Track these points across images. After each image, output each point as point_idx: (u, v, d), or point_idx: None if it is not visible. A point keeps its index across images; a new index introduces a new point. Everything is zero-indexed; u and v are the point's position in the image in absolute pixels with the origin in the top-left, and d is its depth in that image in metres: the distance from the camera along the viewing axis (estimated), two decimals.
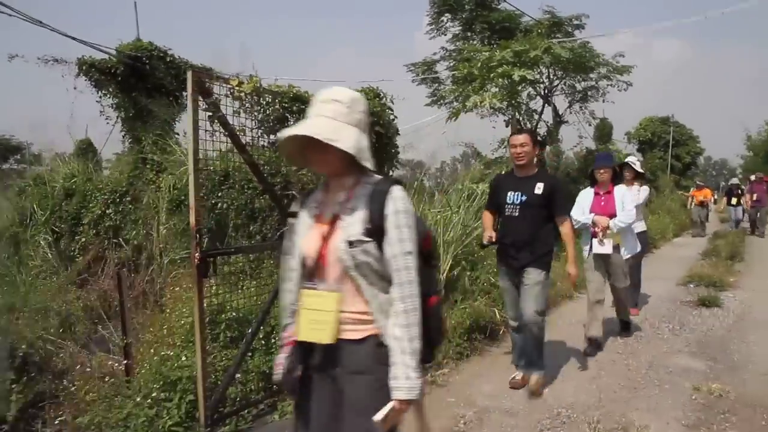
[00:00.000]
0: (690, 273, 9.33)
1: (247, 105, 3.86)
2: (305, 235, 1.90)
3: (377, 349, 1.77)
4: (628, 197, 5.42)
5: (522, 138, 4.20)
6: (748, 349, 5.46)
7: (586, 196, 5.57)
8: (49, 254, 7.97)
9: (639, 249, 5.97)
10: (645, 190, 7.07)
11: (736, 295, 8.06)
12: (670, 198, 21.56)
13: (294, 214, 2.04)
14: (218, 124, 3.55)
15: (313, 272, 1.85)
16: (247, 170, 6.10)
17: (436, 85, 14.97)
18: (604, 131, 19.99)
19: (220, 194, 6.64)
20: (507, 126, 12.02)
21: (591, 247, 5.41)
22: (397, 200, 1.78)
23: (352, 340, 1.80)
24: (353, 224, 1.77)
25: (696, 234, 17.46)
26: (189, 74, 3.28)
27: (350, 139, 1.73)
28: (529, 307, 4.14)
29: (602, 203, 5.39)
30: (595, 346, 5.45)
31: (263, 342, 4.42)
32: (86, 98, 10.18)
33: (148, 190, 7.41)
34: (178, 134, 8.99)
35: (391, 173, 5.58)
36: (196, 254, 3.29)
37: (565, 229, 4.24)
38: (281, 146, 1.85)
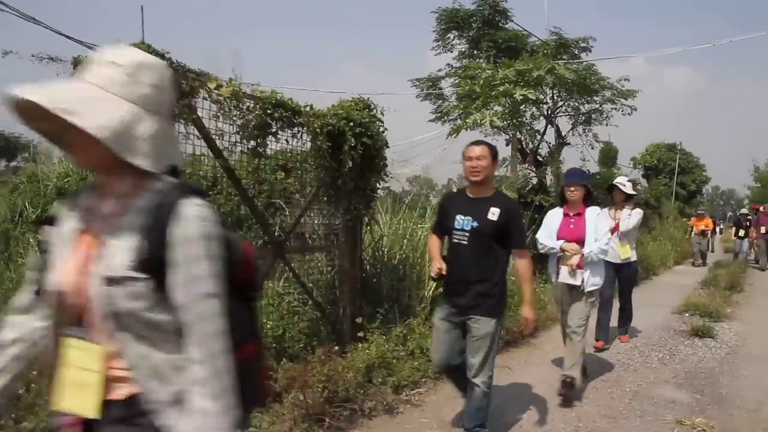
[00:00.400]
0: (686, 302, 9.15)
1: (226, 109, 3.78)
2: (62, 258, 1.31)
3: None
4: (603, 222, 4.79)
5: (479, 150, 3.47)
6: (739, 384, 5.30)
7: (554, 217, 4.89)
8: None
9: (601, 284, 4.93)
10: (637, 214, 6.44)
11: (732, 327, 7.89)
12: (673, 225, 21.34)
13: (50, 221, 1.40)
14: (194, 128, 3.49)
15: (73, 315, 1.30)
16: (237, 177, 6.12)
17: (440, 101, 14.91)
18: (608, 155, 19.88)
19: (207, 200, 6.60)
20: (507, 145, 11.95)
21: (558, 274, 4.82)
22: (190, 220, 1.24)
23: (114, 400, 1.27)
24: (117, 252, 1.22)
25: (696, 264, 17.11)
26: None
27: (105, 116, 1.18)
28: (474, 366, 3.52)
29: (571, 226, 4.73)
30: (568, 386, 4.65)
31: None
32: None
33: None
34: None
35: (378, 187, 5.48)
36: None
37: (522, 266, 3.67)
38: (12, 109, 1.22)
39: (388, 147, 5.53)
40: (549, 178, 13.09)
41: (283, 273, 5.22)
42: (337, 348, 4.67)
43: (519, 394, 4.86)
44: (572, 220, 4.76)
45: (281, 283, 5.22)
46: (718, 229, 26.83)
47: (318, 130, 4.70)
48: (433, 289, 6.21)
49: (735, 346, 6.80)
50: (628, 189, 6.48)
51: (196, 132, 3.61)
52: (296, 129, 4.63)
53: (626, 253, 6.39)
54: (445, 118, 14.54)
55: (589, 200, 4.82)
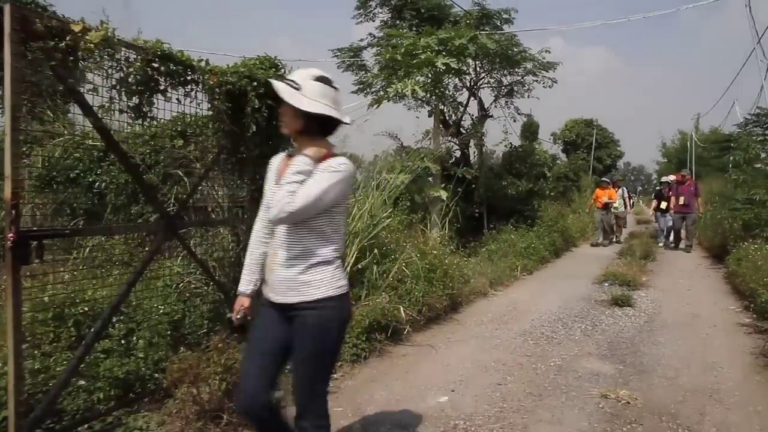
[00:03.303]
0: (606, 272, 9.27)
1: (98, 59, 3.18)
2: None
3: None
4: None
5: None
6: (658, 351, 5.27)
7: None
8: None
9: None
10: None
11: (648, 295, 8.02)
12: (590, 198, 22.00)
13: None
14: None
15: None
16: (133, 145, 5.44)
17: (363, 72, 14.40)
18: (530, 129, 20.13)
19: (99, 171, 5.89)
20: (430, 116, 11.67)
21: None
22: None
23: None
24: None
25: (595, 243, 14.89)
26: (7, 8, 2.60)
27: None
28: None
29: None
30: None
31: (122, 342, 3.78)
32: None
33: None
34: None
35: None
36: (11, 235, 2.62)
37: None
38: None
39: None
40: (472, 151, 13.00)
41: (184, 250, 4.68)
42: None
43: (442, 374, 4.58)
44: None
45: (179, 261, 4.67)
46: (631, 202, 28.01)
47: (217, 89, 4.16)
48: (351, 265, 5.83)
49: (652, 313, 6.86)
50: None
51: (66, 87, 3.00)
52: (190, 87, 4.06)
53: None
54: (368, 89, 14.08)
55: None
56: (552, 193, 15.15)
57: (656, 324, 6.35)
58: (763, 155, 11.80)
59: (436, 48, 9.85)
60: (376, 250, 6.06)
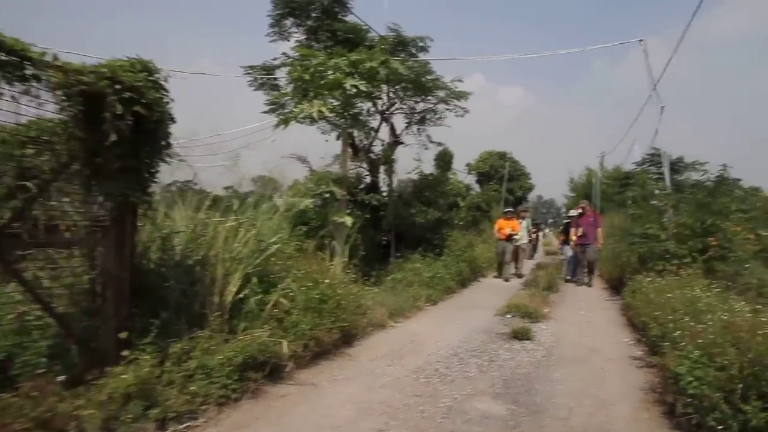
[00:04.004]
0: (509, 303, 9.16)
1: None
2: None
3: None
4: None
5: None
6: (552, 389, 5.06)
7: None
8: None
9: None
10: None
11: (549, 327, 7.93)
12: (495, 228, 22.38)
13: None
14: None
15: None
16: None
17: (276, 92, 13.93)
18: (444, 159, 20.27)
19: None
20: (338, 139, 11.32)
21: None
22: None
23: None
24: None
25: (498, 277, 14.45)
26: None
27: None
28: None
29: None
30: None
31: None
32: None
33: None
34: None
35: (157, 170, 4.43)
36: None
37: None
38: None
39: (174, 122, 4.53)
40: (382, 178, 12.74)
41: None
42: (90, 373, 3.60)
43: (320, 418, 4.12)
44: None
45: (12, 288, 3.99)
46: (541, 234, 28.87)
47: (66, 88, 3.61)
48: (233, 294, 5.30)
49: (550, 347, 6.72)
50: None
51: None
52: (28, 84, 3.48)
53: None
54: (280, 110, 13.61)
55: None
56: (462, 223, 15.15)
57: (553, 358, 6.19)
58: (657, 192, 12.29)
59: (347, 70, 9.57)
60: (256, 279, 5.52)
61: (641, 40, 12.34)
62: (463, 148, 28.23)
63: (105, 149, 3.91)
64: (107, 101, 3.82)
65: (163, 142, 4.41)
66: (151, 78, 4.23)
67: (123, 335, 4.06)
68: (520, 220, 15.80)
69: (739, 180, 13.08)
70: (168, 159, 4.54)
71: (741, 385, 3.73)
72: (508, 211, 15.48)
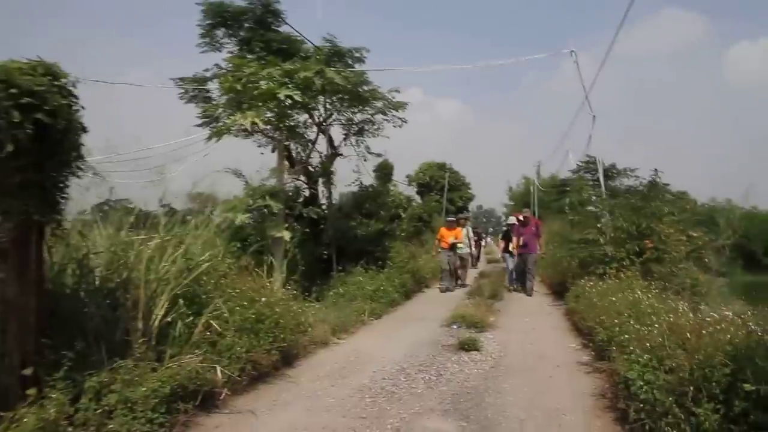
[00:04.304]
0: (454, 313, 9.00)
1: None
2: None
3: None
4: None
5: None
6: (502, 401, 4.89)
7: None
8: None
9: None
10: None
11: (495, 336, 7.82)
12: (436, 238, 22.42)
13: None
14: None
15: None
16: None
17: (209, 104, 13.41)
18: (384, 171, 20.15)
19: None
20: (273, 152, 10.97)
21: None
22: None
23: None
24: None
25: (444, 289, 13.57)
26: None
27: None
28: None
29: None
30: None
31: None
32: None
33: None
34: None
35: (66, 185, 4.00)
36: None
37: None
38: None
39: (86, 131, 4.12)
40: (321, 190, 12.45)
41: None
42: None
43: None
44: None
45: None
46: (483, 242, 29.18)
47: None
48: (159, 318, 4.87)
49: (498, 357, 6.58)
50: None
51: None
52: None
53: None
54: (214, 123, 13.10)
55: None
56: (403, 234, 15.00)
57: (502, 368, 6.05)
58: (594, 198, 12.52)
59: (280, 79, 9.27)
60: (183, 301, 5.09)
61: (572, 51, 12.63)
62: (404, 160, 28.33)
63: (1, 162, 3.47)
64: (0, 107, 3.39)
65: (73, 154, 3.98)
66: (56, 83, 3.81)
67: (28, 371, 3.60)
68: (462, 229, 15.10)
69: (667, 185, 13.55)
70: (80, 173, 4.11)
71: (691, 388, 3.63)
72: (451, 220, 14.93)
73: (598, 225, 10.92)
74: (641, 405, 3.94)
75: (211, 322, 5.10)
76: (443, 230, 14.16)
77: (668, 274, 9.47)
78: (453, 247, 13.72)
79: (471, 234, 15.91)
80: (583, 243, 11.09)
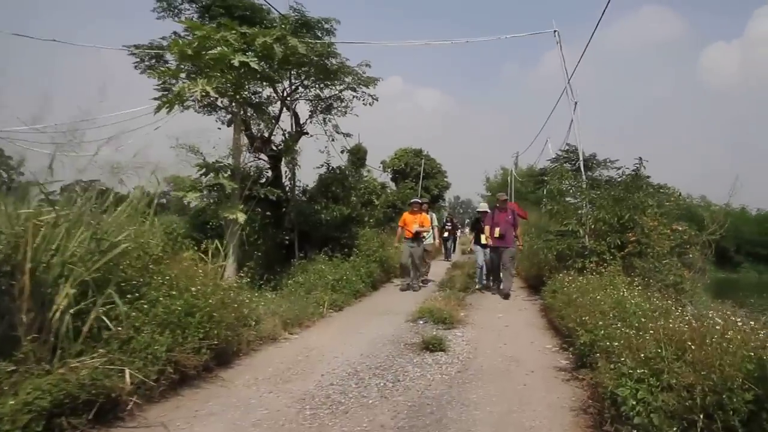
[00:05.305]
0: (421, 308, 8.23)
1: None
2: None
3: None
4: None
5: None
6: (468, 416, 4.12)
7: None
8: None
9: None
10: None
11: (464, 334, 7.09)
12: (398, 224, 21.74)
13: None
14: None
15: None
16: None
17: (160, 71, 12.39)
18: (357, 155, 19.35)
19: None
20: (229, 125, 10.03)
21: None
22: None
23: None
24: None
25: (407, 287, 11.51)
26: None
27: None
28: None
29: None
30: None
31: None
32: None
33: None
34: None
35: None
36: None
37: None
38: None
39: None
40: (284, 171, 11.57)
41: None
42: None
43: None
44: None
45: None
46: (459, 233, 28.48)
47: None
48: (62, 310, 4.01)
49: (466, 359, 5.84)
50: None
51: None
52: None
53: None
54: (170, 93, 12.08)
55: None
56: (372, 221, 14.20)
57: (470, 373, 5.30)
58: (573, 187, 11.85)
59: (236, 45, 8.35)
60: (90, 290, 4.23)
61: (556, 31, 11.91)
62: (381, 149, 27.54)
63: None
64: None
65: None
66: None
67: None
68: (428, 215, 12.42)
69: (648, 177, 12.96)
70: None
71: (702, 416, 2.91)
72: (415, 202, 11.99)
73: (578, 215, 10.28)
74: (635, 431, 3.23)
75: (103, 316, 4.21)
76: (407, 216, 11.68)
77: (651, 269, 8.88)
78: (417, 236, 11.40)
79: (435, 222, 13.52)
80: (561, 235, 10.46)
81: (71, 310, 4.08)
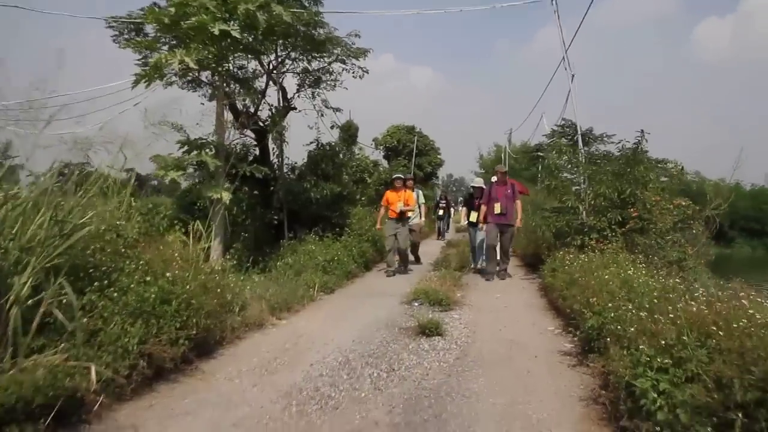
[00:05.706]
0: (416, 289, 7.86)
1: None
2: None
3: None
4: None
5: None
6: (469, 409, 3.79)
7: None
8: None
9: None
10: None
11: (462, 316, 6.76)
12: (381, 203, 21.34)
13: None
14: None
15: None
16: None
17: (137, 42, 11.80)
18: (349, 132, 18.85)
19: None
20: (211, 100, 9.54)
21: None
22: None
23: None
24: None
25: (393, 273, 10.42)
26: None
27: None
28: None
29: None
30: None
31: None
32: None
33: None
34: None
35: None
36: None
37: None
38: None
39: None
40: (272, 148, 11.10)
41: None
42: None
43: None
44: None
45: None
46: (452, 211, 28.06)
47: None
48: (23, 300, 3.61)
49: (464, 344, 5.49)
50: None
51: None
52: None
53: None
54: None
55: None
56: (364, 199, 13.78)
57: (469, 360, 4.95)
58: (571, 163, 11.45)
59: (217, 13, 7.84)
60: (53, 278, 3.83)
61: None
62: (374, 126, 26.98)
63: None
64: None
65: None
66: None
67: None
68: (413, 192, 11.46)
69: (647, 152, 12.61)
70: None
71: (740, 415, 2.55)
72: (398, 178, 10.89)
73: (576, 191, 9.92)
74: (658, 429, 2.88)
75: (55, 307, 3.80)
76: (390, 194, 10.72)
77: (653, 246, 8.56)
78: (401, 215, 10.44)
79: (422, 199, 12.61)
80: (558, 211, 10.11)
81: (29, 302, 3.69)
